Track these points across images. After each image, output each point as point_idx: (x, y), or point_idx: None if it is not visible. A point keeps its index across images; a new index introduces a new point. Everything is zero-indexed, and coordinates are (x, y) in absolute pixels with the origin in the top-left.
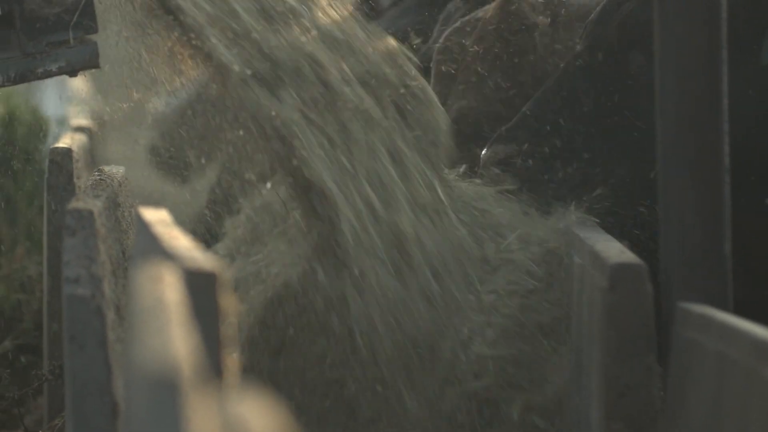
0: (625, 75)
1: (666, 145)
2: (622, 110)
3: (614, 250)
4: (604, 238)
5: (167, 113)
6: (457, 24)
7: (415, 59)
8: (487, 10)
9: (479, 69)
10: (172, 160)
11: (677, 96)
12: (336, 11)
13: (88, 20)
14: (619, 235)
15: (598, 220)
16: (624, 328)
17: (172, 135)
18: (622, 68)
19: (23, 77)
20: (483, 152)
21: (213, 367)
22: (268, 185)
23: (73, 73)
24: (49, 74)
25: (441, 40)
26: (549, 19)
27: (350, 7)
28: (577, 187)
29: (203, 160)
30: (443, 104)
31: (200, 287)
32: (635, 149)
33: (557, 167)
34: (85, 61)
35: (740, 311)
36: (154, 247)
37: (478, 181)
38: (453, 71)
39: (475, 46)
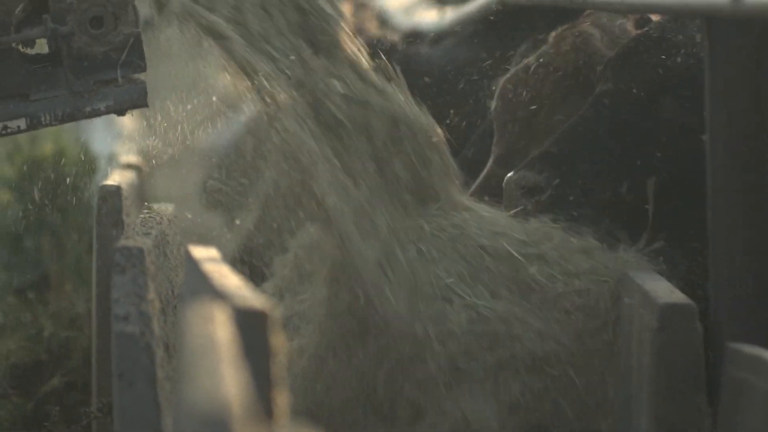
0: (655, 119)
1: (716, 186)
2: (652, 154)
3: (664, 290)
4: (653, 278)
5: (216, 150)
6: (512, 71)
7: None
8: (548, 52)
9: (560, 110)
10: (221, 197)
11: (727, 137)
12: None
13: (136, 59)
14: (666, 276)
15: (647, 258)
16: (673, 368)
17: (221, 172)
18: (652, 113)
19: (71, 116)
20: (509, 175)
21: (263, 406)
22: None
23: (121, 112)
24: (96, 113)
25: (500, 85)
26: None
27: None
28: (612, 229)
29: (252, 198)
30: (516, 148)
31: (250, 326)
32: (668, 191)
33: (586, 207)
34: (134, 100)
35: None
36: (203, 286)
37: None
38: (522, 115)
39: (548, 88)
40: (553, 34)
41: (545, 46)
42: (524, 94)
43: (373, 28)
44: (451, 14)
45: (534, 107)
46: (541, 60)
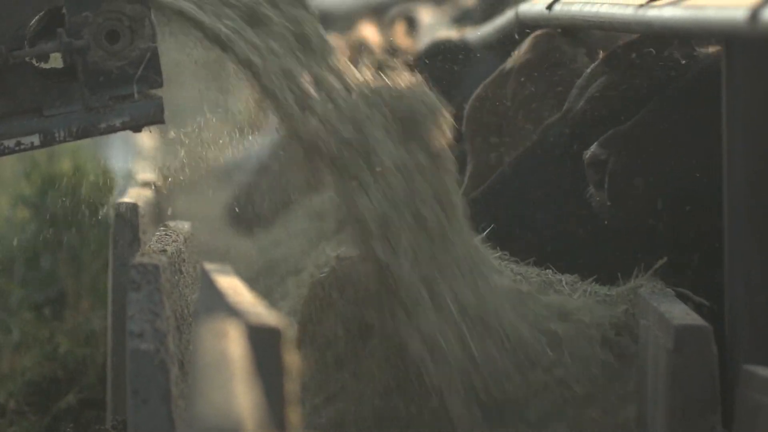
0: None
1: (732, 206)
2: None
3: (679, 312)
4: (668, 300)
5: (236, 168)
6: (478, 89)
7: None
8: (517, 58)
9: (531, 111)
10: (239, 216)
11: (744, 156)
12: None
13: (152, 74)
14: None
15: (662, 282)
16: (689, 390)
17: (240, 191)
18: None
19: (86, 132)
20: None
21: (276, 423)
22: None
23: (136, 129)
24: (112, 129)
25: (468, 106)
26: (584, 49)
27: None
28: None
29: (269, 217)
30: (487, 162)
31: (264, 343)
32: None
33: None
34: (150, 116)
35: None
36: (218, 303)
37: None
38: (494, 123)
39: (518, 92)
40: (527, 40)
41: (519, 50)
42: (490, 107)
43: (406, 43)
44: (471, 34)
45: (499, 105)
46: (514, 67)
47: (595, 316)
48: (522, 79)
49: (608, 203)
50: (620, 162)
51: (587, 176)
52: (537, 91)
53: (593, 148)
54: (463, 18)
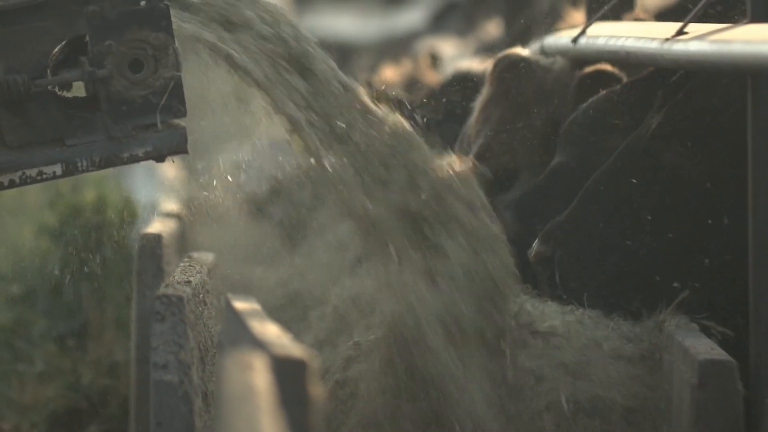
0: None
1: (758, 244)
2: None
3: (704, 347)
4: (693, 335)
5: (258, 196)
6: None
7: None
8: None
9: (487, 112)
10: (262, 247)
11: None
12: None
13: (176, 103)
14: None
15: (688, 318)
16: (713, 425)
17: (262, 221)
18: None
19: (108, 162)
20: None
21: None
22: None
23: (160, 159)
24: (135, 159)
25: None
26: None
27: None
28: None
29: (293, 247)
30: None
31: (289, 375)
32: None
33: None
34: (173, 146)
35: None
36: (243, 335)
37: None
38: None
39: (479, 100)
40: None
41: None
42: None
43: (429, 77)
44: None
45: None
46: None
47: (620, 351)
48: (485, 87)
49: (564, 297)
50: (567, 256)
51: (536, 274)
52: (494, 95)
53: (535, 246)
54: (487, 50)
